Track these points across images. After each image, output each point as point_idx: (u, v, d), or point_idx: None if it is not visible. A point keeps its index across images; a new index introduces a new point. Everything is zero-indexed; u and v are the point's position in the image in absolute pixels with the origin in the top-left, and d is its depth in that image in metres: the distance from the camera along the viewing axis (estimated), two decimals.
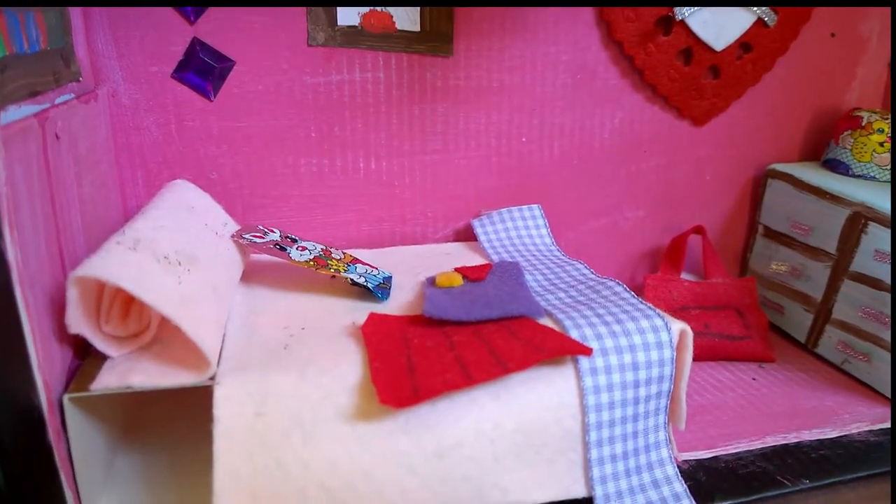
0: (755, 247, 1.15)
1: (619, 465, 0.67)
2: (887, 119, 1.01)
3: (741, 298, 1.04)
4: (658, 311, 0.72)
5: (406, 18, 0.92)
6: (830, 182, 1.01)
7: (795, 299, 1.05)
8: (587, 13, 0.98)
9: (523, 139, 1.03)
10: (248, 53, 0.87)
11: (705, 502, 0.69)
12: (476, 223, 1.00)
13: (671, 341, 0.69)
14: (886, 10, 1.10)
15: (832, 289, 0.98)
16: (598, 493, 0.65)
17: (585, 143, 1.06)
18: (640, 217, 1.12)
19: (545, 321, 0.70)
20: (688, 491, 0.68)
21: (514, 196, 1.05)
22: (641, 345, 0.68)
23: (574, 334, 0.67)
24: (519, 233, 1.00)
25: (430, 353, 0.63)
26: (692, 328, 0.99)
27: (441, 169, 1.01)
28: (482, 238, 0.98)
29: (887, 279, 0.89)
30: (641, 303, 0.74)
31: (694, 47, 1.02)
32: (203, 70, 0.86)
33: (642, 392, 0.67)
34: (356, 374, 0.61)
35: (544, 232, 1.00)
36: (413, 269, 0.89)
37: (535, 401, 0.64)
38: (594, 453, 0.65)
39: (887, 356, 0.90)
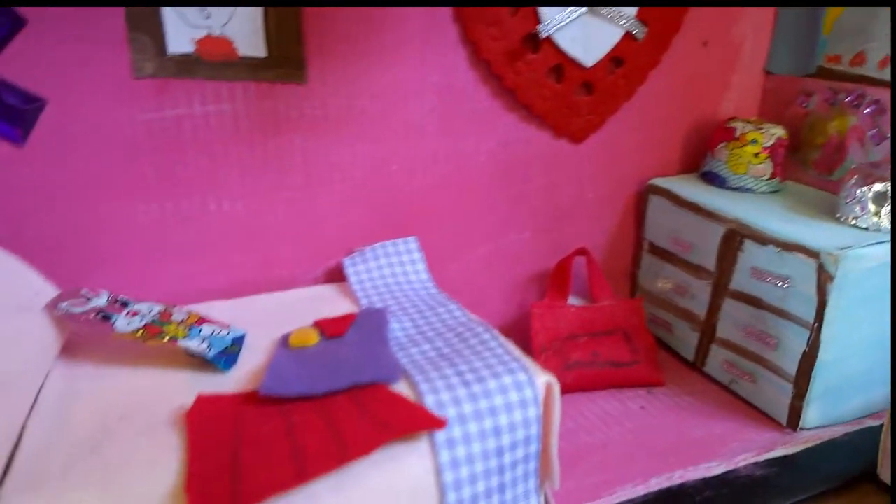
0: (643, 263, 1.12)
1: None
2: (762, 129, 1.00)
3: (628, 320, 1.00)
4: (524, 362, 0.66)
5: (249, 43, 0.84)
6: (706, 197, 0.99)
7: (682, 317, 1.03)
8: (451, 32, 0.92)
9: (394, 167, 0.96)
10: (64, 90, 0.77)
11: None
12: (347, 262, 0.93)
13: (536, 398, 0.63)
14: (759, 13, 1.08)
15: (715, 307, 0.96)
16: None
17: (462, 168, 1.00)
18: (525, 240, 1.07)
19: (401, 385, 0.64)
20: None
21: (388, 229, 0.97)
22: (503, 406, 0.62)
23: (430, 400, 0.60)
24: (393, 270, 0.93)
25: (263, 444, 0.55)
26: (580, 359, 0.96)
27: (305, 206, 0.92)
28: (353, 280, 0.90)
29: (766, 298, 0.87)
30: (507, 353, 0.68)
31: (564, 64, 0.97)
32: (9, 114, 0.75)
33: (507, 459, 0.62)
34: (171, 480, 0.52)
35: (420, 267, 0.94)
36: (274, 320, 0.80)
37: (385, 487, 0.57)
38: None
39: (772, 377, 0.88)
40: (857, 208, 0.85)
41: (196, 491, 0.50)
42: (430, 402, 0.60)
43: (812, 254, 0.80)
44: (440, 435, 0.59)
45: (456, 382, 0.63)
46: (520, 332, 0.99)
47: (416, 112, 0.94)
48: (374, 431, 0.56)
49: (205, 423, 0.58)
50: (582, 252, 1.04)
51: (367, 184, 0.95)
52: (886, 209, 0.83)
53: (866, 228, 0.84)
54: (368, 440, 0.55)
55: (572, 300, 1.04)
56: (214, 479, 0.51)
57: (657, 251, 1.08)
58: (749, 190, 1.01)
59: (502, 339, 0.72)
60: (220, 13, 0.81)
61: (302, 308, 0.84)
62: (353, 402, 0.60)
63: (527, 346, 0.96)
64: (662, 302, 1.07)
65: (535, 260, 1.08)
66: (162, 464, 0.54)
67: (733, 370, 0.94)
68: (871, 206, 0.83)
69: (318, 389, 0.62)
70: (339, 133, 0.91)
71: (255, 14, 0.82)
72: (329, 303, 0.86)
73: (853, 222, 0.85)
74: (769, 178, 1.01)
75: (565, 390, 0.93)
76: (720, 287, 0.95)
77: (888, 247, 0.81)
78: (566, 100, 1.00)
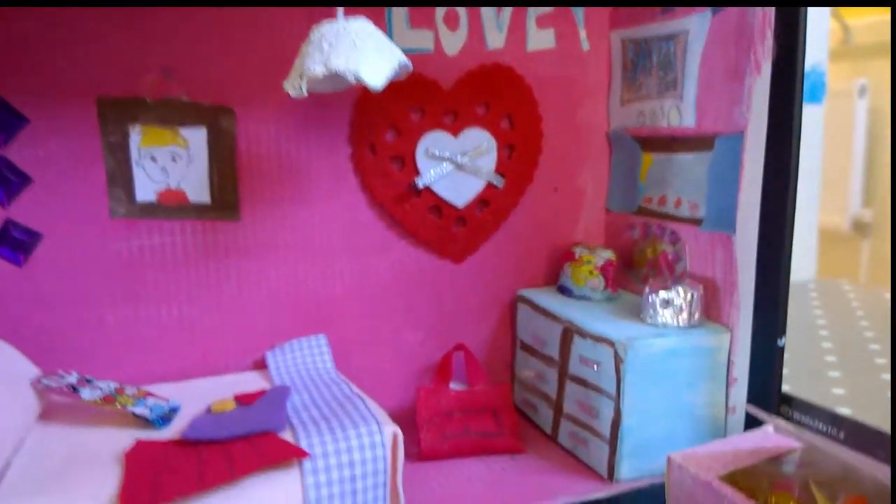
0: (517, 358, 1.39)
1: None
2: (594, 252, 1.31)
3: (497, 402, 1.26)
4: (378, 418, 0.92)
5: (198, 193, 1.15)
6: (553, 303, 1.28)
7: (541, 399, 1.29)
8: (352, 182, 1.25)
9: (310, 283, 1.25)
10: (56, 226, 1.06)
11: None
12: (269, 354, 1.19)
13: (383, 442, 0.88)
14: (596, 167, 1.42)
15: (561, 388, 1.23)
16: None
17: (364, 282, 1.29)
18: (419, 339, 1.34)
19: (286, 434, 0.89)
20: None
21: (305, 329, 1.25)
22: (357, 446, 0.87)
23: (303, 443, 0.85)
24: (304, 360, 1.19)
25: (178, 469, 0.80)
26: (455, 430, 1.21)
27: (237, 311, 1.20)
28: (271, 367, 1.16)
29: (589, 378, 1.14)
30: (369, 413, 0.94)
31: (441, 205, 1.29)
32: (14, 244, 1.04)
33: (359, 485, 0.86)
34: (112, 492, 0.76)
35: (326, 358, 1.20)
36: (204, 397, 1.05)
37: (262, 499, 0.81)
38: None
39: (596, 440, 1.13)
40: (650, 310, 1.14)
41: (126, 494, 0.74)
42: (303, 443, 0.85)
43: (611, 343, 1.08)
44: (307, 464, 0.83)
45: (324, 429, 0.88)
46: (412, 411, 1.24)
47: (327, 240, 1.24)
48: (256, 458, 0.81)
49: (140, 457, 0.82)
50: (461, 347, 1.31)
51: (289, 295, 1.23)
52: (669, 310, 1.12)
53: (655, 325, 1.13)
54: (251, 463, 0.80)
55: (454, 385, 1.29)
56: (141, 487, 0.75)
57: (525, 347, 1.35)
58: (588, 298, 1.30)
59: (371, 404, 0.98)
60: (176, 173, 1.13)
61: (229, 388, 1.09)
62: (247, 442, 0.85)
63: (415, 420, 1.21)
64: (530, 387, 1.33)
65: (429, 354, 1.35)
66: (107, 484, 0.78)
67: (575, 438, 1.19)
68: (659, 310, 1.13)
69: (224, 435, 0.87)
70: (266, 257, 1.21)
71: (202, 171, 1.14)
72: (251, 384, 1.12)
73: (648, 321, 1.14)
74: (603, 290, 1.30)
75: (443, 457, 1.19)
76: (563, 373, 1.22)
77: (667, 339, 1.09)
78: (445, 231, 1.31)
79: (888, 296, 2.45)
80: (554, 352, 1.24)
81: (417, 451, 1.19)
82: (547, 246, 1.42)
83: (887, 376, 1.62)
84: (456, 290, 1.36)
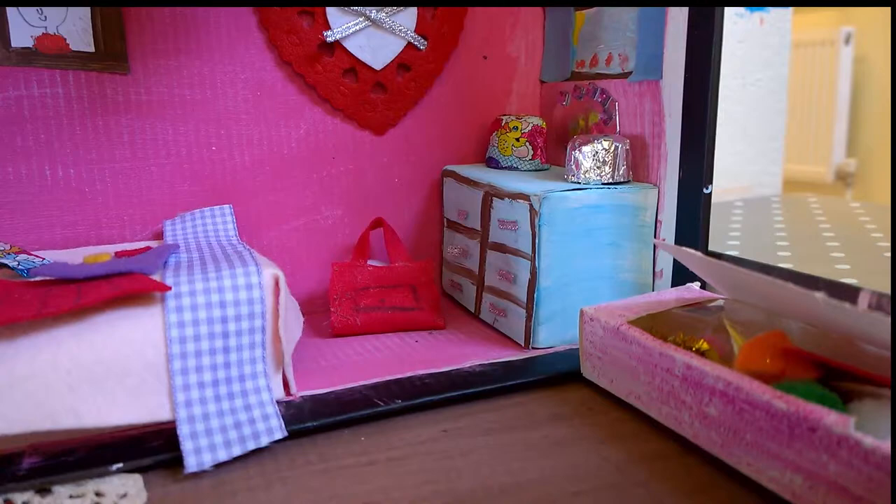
0: (444, 238, 1.31)
1: (208, 392, 0.77)
2: (521, 119, 1.22)
3: (417, 278, 1.19)
4: (258, 261, 0.84)
5: (80, 40, 1.04)
6: (477, 173, 1.19)
7: (466, 276, 1.22)
8: (257, 38, 1.14)
9: (213, 148, 1.15)
10: None
11: (299, 423, 0.80)
12: (167, 223, 1.11)
13: (260, 283, 0.81)
14: (530, 33, 1.33)
15: (482, 260, 1.15)
16: (182, 415, 0.74)
17: (275, 152, 1.19)
18: (338, 216, 1.26)
19: (155, 276, 0.81)
20: (278, 412, 0.79)
21: (209, 200, 1.16)
22: (231, 287, 0.79)
23: (169, 281, 0.78)
24: (206, 229, 1.11)
25: (21, 299, 0.72)
26: (369, 304, 1.13)
27: (133, 176, 1.11)
28: (168, 236, 1.08)
29: (507, 242, 1.07)
30: (251, 257, 0.86)
31: (357, 67, 1.19)
32: None
33: (232, 327, 0.79)
34: None
35: (230, 227, 1.12)
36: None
37: (118, 337, 0.73)
38: (178, 380, 0.75)
39: (515, 307, 1.06)
40: (573, 167, 1.06)
41: None
42: (168, 281, 0.78)
43: (526, 197, 1.01)
44: (171, 301, 0.76)
45: (197, 271, 0.80)
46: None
47: (231, 102, 1.15)
48: (107, 289, 0.73)
49: None
50: (380, 223, 1.23)
51: (191, 160, 1.14)
52: (592, 163, 1.04)
53: (578, 182, 1.05)
54: (100, 294, 0.72)
55: (373, 262, 1.22)
56: None
57: (451, 224, 1.28)
58: (515, 168, 1.22)
59: (259, 256, 0.90)
60: (54, 15, 1.02)
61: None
62: (105, 280, 0.77)
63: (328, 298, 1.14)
64: (455, 267, 1.26)
65: (349, 232, 1.27)
66: None
67: (495, 310, 1.12)
68: (582, 164, 1.05)
69: (84, 274, 0.79)
70: (162, 116, 1.11)
71: (84, 16, 1.03)
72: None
73: (572, 179, 1.06)
74: (531, 159, 1.22)
75: (355, 331, 1.12)
76: (484, 242, 1.14)
77: (587, 193, 1.01)
78: (363, 97, 1.22)
79: (853, 203, 2.40)
80: (476, 221, 1.16)
81: (328, 327, 1.12)
82: (477, 121, 1.34)
83: (842, 267, 1.57)
84: (378, 165, 1.27)
